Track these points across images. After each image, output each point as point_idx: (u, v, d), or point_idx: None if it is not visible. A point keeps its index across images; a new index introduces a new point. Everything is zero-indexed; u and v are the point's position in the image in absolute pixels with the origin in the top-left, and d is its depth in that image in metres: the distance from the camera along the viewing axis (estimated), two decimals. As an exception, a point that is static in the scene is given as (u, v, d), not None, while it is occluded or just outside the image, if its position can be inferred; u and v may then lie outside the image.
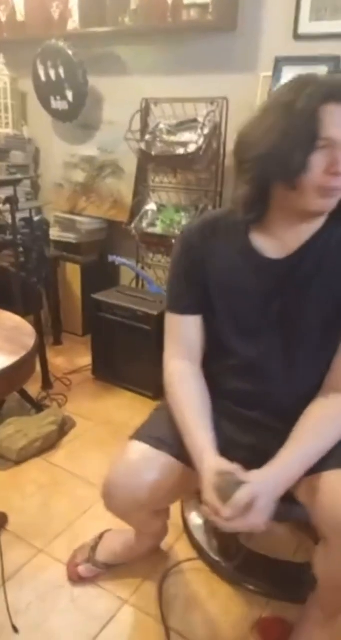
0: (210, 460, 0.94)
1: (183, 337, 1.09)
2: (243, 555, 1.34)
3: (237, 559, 1.34)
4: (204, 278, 1.04)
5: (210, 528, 1.44)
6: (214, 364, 1.10)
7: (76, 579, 1.33)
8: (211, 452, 0.95)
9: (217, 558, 1.38)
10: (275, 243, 1.00)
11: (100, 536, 1.39)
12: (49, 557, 1.42)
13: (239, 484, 0.87)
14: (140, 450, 1.07)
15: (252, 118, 0.95)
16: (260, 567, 1.36)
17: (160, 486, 1.03)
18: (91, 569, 1.33)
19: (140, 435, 1.10)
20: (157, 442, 1.06)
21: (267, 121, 0.91)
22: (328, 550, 0.95)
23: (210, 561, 1.39)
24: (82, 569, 1.33)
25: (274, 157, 0.89)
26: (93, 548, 1.36)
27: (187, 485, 1.07)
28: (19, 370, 1.00)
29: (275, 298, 1.00)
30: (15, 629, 1.19)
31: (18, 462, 1.80)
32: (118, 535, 1.37)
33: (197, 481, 0.95)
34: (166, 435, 1.07)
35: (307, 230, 0.99)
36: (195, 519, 1.51)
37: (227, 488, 0.87)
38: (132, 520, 1.20)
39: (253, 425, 1.06)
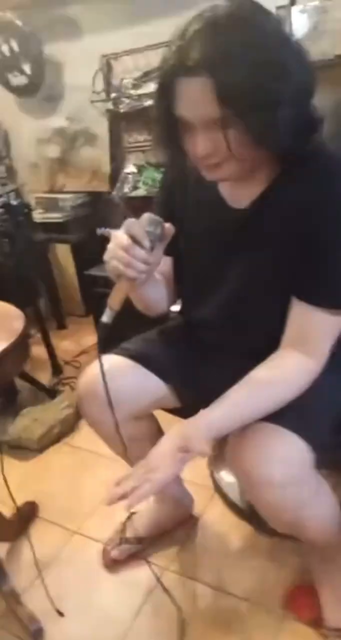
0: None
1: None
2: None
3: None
4: (179, 224, 0.92)
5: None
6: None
7: (111, 564, 1.30)
8: None
9: (250, 511, 1.35)
10: (230, 192, 0.94)
11: (129, 517, 1.36)
12: (84, 537, 1.41)
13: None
14: (111, 359, 1.11)
15: None
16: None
17: (128, 390, 1.06)
18: (124, 548, 1.31)
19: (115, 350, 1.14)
20: (128, 353, 1.13)
21: None
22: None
23: (245, 516, 1.37)
24: (114, 553, 1.30)
25: None
26: (122, 530, 1.33)
27: (157, 394, 1.10)
28: (12, 356, 0.96)
29: (234, 250, 0.93)
30: (60, 613, 1.18)
31: (40, 450, 1.79)
32: (147, 511, 1.34)
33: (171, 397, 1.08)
34: (139, 347, 1.14)
35: (255, 183, 0.89)
36: (226, 477, 1.48)
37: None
38: (106, 428, 1.08)
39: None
